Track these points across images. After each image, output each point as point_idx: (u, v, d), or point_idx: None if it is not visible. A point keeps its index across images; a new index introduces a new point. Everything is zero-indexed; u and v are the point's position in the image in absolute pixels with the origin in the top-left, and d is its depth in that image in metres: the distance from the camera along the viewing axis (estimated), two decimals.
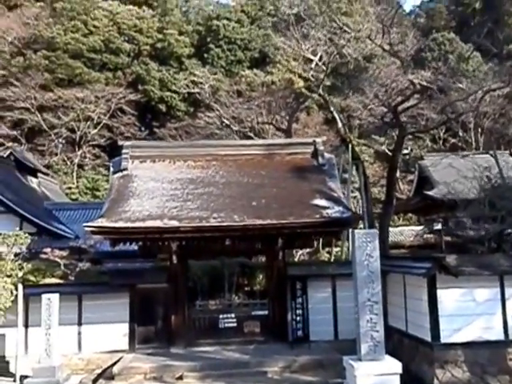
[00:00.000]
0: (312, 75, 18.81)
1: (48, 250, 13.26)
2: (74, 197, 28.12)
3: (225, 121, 26.24)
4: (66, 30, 33.73)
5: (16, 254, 11.14)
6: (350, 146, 16.56)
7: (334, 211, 10.50)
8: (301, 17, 19.81)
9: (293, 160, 12.45)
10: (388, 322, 9.89)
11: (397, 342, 10.00)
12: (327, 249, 19.40)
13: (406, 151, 25.54)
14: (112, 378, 9.34)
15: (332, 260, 17.73)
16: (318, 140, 12.90)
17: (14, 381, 9.81)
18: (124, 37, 35.60)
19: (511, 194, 10.56)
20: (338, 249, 18.75)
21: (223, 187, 11.44)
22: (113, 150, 24.64)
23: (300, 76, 24.88)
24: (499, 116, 21.68)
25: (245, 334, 11.45)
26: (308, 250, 18.40)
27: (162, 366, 9.62)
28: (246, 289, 16.88)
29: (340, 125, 17.31)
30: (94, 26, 34.45)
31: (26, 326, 10.66)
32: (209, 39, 35.61)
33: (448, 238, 14.13)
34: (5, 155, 21.26)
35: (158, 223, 10.11)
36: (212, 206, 10.67)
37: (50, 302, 9.69)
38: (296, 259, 17.98)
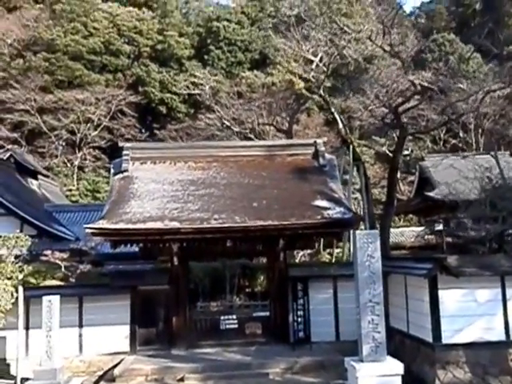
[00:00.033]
0: (313, 76, 18.84)
1: (48, 252, 13.27)
2: (74, 199, 28.11)
3: (225, 122, 26.26)
4: (66, 31, 33.77)
5: (16, 256, 11.14)
6: (350, 146, 16.57)
7: (335, 212, 10.49)
8: (301, 18, 19.84)
9: (294, 161, 12.46)
10: (389, 323, 9.87)
11: (398, 343, 9.98)
12: (328, 250, 19.39)
13: (406, 152, 25.55)
14: (113, 380, 9.33)
15: (333, 261, 17.72)
16: (319, 141, 12.90)
17: (15, 383, 9.78)
18: (124, 38, 35.65)
19: None
20: (338, 250, 18.75)
21: (224, 188, 11.43)
22: (113, 152, 24.67)
23: (300, 77, 24.90)
24: (499, 117, 21.71)
25: (246, 336, 11.44)
26: (309, 251, 18.39)
27: (163, 367, 9.61)
28: (247, 290, 16.87)
29: (341, 125, 17.33)
30: (94, 28, 34.50)
31: (27, 328, 10.65)
32: (209, 41, 35.67)
33: (449, 239, 14.12)
34: (5, 157, 21.26)
35: (158, 225, 10.11)
36: (213, 208, 10.67)
37: (51, 304, 9.66)
38: (297, 260, 17.96)
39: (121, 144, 13.01)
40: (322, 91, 18.29)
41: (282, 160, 12.52)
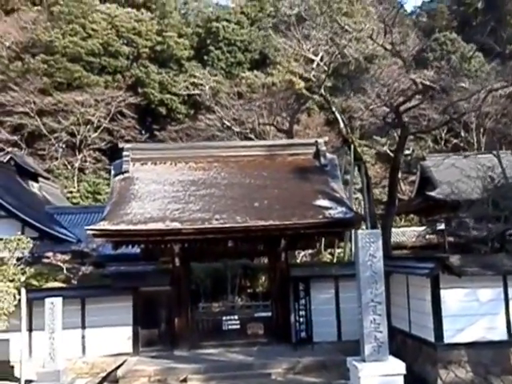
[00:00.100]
0: (313, 75, 18.83)
1: (50, 254, 13.27)
2: (75, 201, 28.12)
3: (226, 122, 26.27)
4: (64, 33, 33.74)
5: (18, 259, 11.15)
6: (351, 146, 16.56)
7: (337, 212, 10.49)
8: (301, 17, 19.84)
9: (295, 161, 12.45)
10: (391, 323, 9.88)
11: (400, 343, 9.98)
12: (329, 250, 19.39)
13: (407, 152, 25.52)
14: (116, 381, 9.34)
15: (334, 261, 17.72)
16: (320, 140, 12.89)
17: None
18: (123, 40, 35.63)
19: None
20: (340, 250, 18.75)
21: (225, 188, 11.44)
22: (113, 154, 24.66)
23: (301, 77, 24.89)
24: (501, 116, 21.67)
25: (248, 336, 11.44)
26: (310, 251, 18.39)
27: (166, 368, 9.62)
28: (249, 291, 16.85)
29: (342, 125, 17.32)
30: (93, 30, 34.48)
31: (30, 330, 10.66)
32: (208, 41, 35.66)
33: (451, 239, 14.12)
34: (5, 160, 21.29)
35: (159, 225, 10.12)
36: (214, 208, 10.67)
37: (54, 305, 9.69)
38: (298, 261, 17.95)
39: (121, 145, 13.01)
40: (322, 90, 18.28)
41: (283, 160, 12.52)
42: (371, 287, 8.23)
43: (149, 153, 12.65)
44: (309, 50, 18.47)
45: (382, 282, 8.31)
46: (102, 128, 31.91)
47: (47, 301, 9.76)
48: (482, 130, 26.63)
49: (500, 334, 8.71)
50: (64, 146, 31.98)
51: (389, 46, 15.76)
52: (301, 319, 11.11)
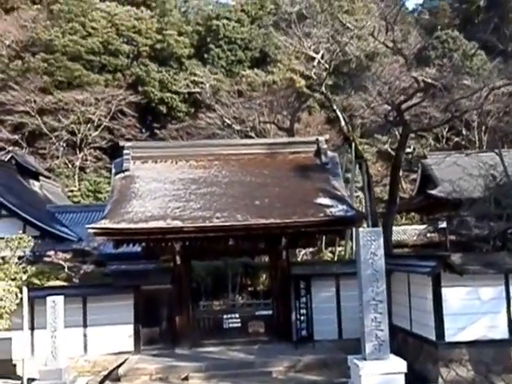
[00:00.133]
0: (314, 73, 18.77)
1: (51, 252, 13.30)
2: (76, 199, 28.14)
3: (226, 120, 26.23)
4: (64, 32, 33.67)
5: (20, 258, 11.19)
6: (353, 144, 16.53)
7: (338, 210, 10.48)
8: (302, 15, 19.77)
9: (296, 159, 12.42)
10: (392, 321, 9.86)
11: (401, 341, 9.98)
12: (330, 248, 19.39)
13: (408, 150, 25.45)
14: (118, 379, 9.35)
15: (335, 259, 17.71)
16: (321, 138, 12.85)
17: (22, 383, 9.82)
18: (123, 38, 35.56)
19: None
20: (341, 248, 18.75)
21: (226, 187, 11.43)
22: (114, 152, 24.68)
23: (302, 75, 24.85)
24: (503, 114, 21.59)
25: (249, 334, 11.45)
26: (311, 249, 18.39)
27: (167, 366, 9.63)
28: (250, 289, 16.89)
29: (343, 123, 17.27)
30: (92, 28, 34.41)
31: (32, 328, 10.67)
32: (209, 39, 35.57)
33: (452, 237, 14.09)
34: (6, 159, 21.31)
35: (160, 224, 10.12)
36: (215, 206, 10.67)
37: (55, 304, 9.70)
38: (299, 259, 17.96)
39: (121, 143, 13.00)
40: (323, 88, 18.23)
41: (284, 158, 12.49)
42: (372, 285, 8.22)
43: (149, 151, 12.64)
44: (310, 48, 18.42)
45: (384, 281, 8.30)
46: (102, 127, 31.89)
47: (49, 299, 9.76)
48: (483, 128, 26.53)
49: (501, 333, 8.70)
50: (65, 144, 31.99)
51: (390, 44, 15.69)
52: (302, 317, 11.12)
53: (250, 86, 28.98)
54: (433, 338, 8.81)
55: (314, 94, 24.11)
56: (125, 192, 11.23)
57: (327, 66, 18.31)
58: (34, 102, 30.24)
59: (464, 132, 28.08)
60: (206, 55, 34.82)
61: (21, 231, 13.82)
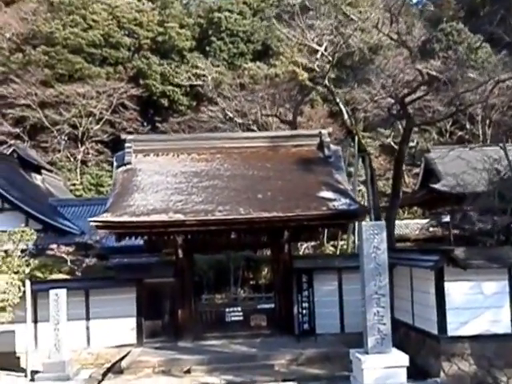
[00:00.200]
0: (317, 66, 18.58)
1: (54, 246, 13.34)
2: (78, 193, 28.17)
3: (228, 114, 26.09)
4: (65, 24, 33.41)
5: (23, 251, 11.20)
6: (355, 138, 16.41)
7: (341, 203, 10.43)
8: (305, 6, 19.53)
9: (298, 152, 12.34)
10: (394, 315, 9.85)
11: (403, 335, 9.98)
12: (332, 242, 19.37)
13: (411, 144, 25.29)
14: (121, 372, 9.41)
15: (337, 253, 17.69)
16: (324, 131, 12.75)
17: (25, 376, 9.91)
18: (124, 31, 35.27)
19: None
20: (343, 242, 18.72)
21: (228, 180, 11.38)
22: (116, 146, 24.61)
23: (304, 68, 24.60)
24: (508, 108, 21.37)
25: (251, 328, 11.48)
26: (313, 243, 18.37)
27: (169, 359, 9.67)
28: (252, 282, 16.93)
29: (346, 116, 17.15)
30: (93, 20, 34.12)
31: (35, 321, 10.74)
32: (210, 32, 35.25)
33: (455, 231, 14.03)
34: (8, 153, 21.30)
35: (162, 217, 10.10)
36: (217, 199, 10.63)
37: (58, 297, 9.74)
38: (301, 253, 17.95)
39: (123, 136, 12.95)
40: (326, 81, 18.06)
41: (287, 151, 12.42)
42: (375, 279, 8.21)
43: (151, 144, 12.58)
44: (313, 40, 18.20)
45: (386, 275, 8.28)
46: (103, 120, 31.78)
47: (52, 292, 9.81)
48: (487, 122, 26.30)
49: (504, 327, 8.68)
50: (66, 138, 31.92)
51: (395, 36, 15.50)
52: (304, 311, 11.14)
53: (252, 78, 28.75)
54: (435, 332, 8.80)
55: (316, 87, 23.87)
56: (127, 185, 11.20)
57: (330, 59, 18.11)
58: (36, 95, 30.11)
59: (468, 126, 27.85)
60: (207, 48, 34.52)
61: (23, 224, 13.81)
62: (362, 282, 8.36)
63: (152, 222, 10.11)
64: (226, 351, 10.21)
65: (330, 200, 10.56)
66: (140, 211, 10.24)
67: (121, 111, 32.22)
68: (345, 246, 18.24)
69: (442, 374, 8.43)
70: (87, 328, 11.02)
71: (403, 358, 8.07)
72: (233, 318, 11.66)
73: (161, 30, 35.39)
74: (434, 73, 15.22)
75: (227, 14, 35.05)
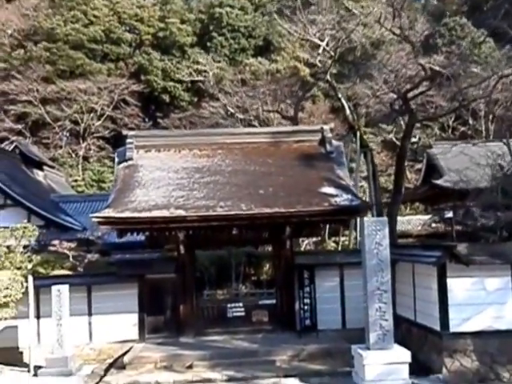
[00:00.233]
0: (319, 61, 18.47)
1: (56, 242, 13.37)
2: (80, 189, 28.20)
3: (230, 109, 25.99)
4: (66, 20, 33.34)
5: (25, 247, 11.23)
6: (357, 133, 16.34)
7: (343, 199, 10.38)
8: (307, 1, 19.36)
9: (300, 148, 12.28)
10: (396, 312, 9.83)
11: (405, 332, 9.97)
12: (334, 238, 19.36)
13: (414, 140, 25.18)
14: (123, 367, 9.43)
15: (339, 249, 17.69)
16: (326, 127, 12.69)
17: (29, 371, 9.95)
18: (125, 26, 35.16)
19: None
20: (344, 238, 18.70)
21: (230, 176, 11.34)
22: (117, 142, 24.56)
23: (306, 63, 24.44)
24: (511, 103, 21.17)
25: (253, 323, 11.50)
26: (314, 239, 18.37)
27: (171, 355, 9.70)
28: (253, 278, 16.95)
29: (348, 111, 17.07)
30: (94, 16, 34.02)
31: (38, 317, 10.77)
32: (211, 27, 35.08)
33: (458, 227, 13.98)
34: (10, 149, 21.32)
35: (164, 213, 10.08)
36: (218, 195, 10.60)
37: (60, 293, 9.76)
38: (302, 249, 17.95)
39: (124, 132, 12.92)
40: (328, 76, 17.95)
41: (288, 147, 12.36)
42: (377, 275, 8.19)
43: (152, 140, 12.55)
44: (314, 35, 18.09)
45: (388, 270, 8.26)
46: (105, 116, 31.77)
47: (54, 288, 9.83)
48: (490, 117, 26.12)
49: (507, 323, 8.64)
50: (68, 134, 31.94)
51: (397, 31, 15.37)
52: (305, 307, 11.13)
53: (254, 74, 28.63)
54: (437, 328, 8.78)
55: (318, 83, 23.76)
56: (128, 181, 11.18)
57: (332, 54, 18.00)
58: (37, 91, 30.09)
59: (470, 121, 27.66)
60: (208, 43, 34.36)
61: (25, 220, 13.86)
62: (364, 278, 8.34)
63: (153, 218, 10.10)
64: (227, 347, 10.23)
65: (332, 196, 10.52)
66: (141, 207, 10.23)
67: (122, 107, 32.18)
68: (346, 242, 18.24)
69: (444, 370, 8.42)
70: (89, 323, 11.05)
71: (405, 354, 8.07)
72: (234, 314, 11.68)
73: (162, 25, 35.25)
74: (437, 68, 15.08)
75: (228, 9, 34.84)
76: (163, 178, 11.28)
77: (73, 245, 13.37)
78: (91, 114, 31.36)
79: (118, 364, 9.83)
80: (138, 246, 12.82)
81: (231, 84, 27.22)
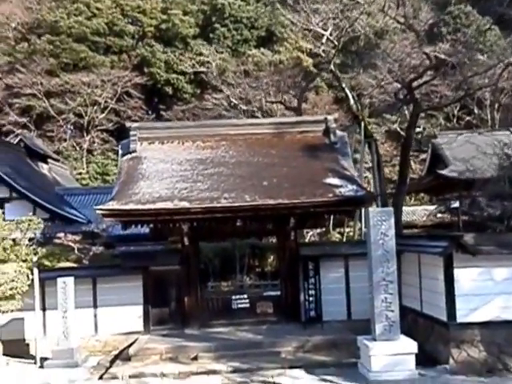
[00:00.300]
0: (323, 51, 18.22)
1: (61, 234, 13.44)
2: (84, 182, 28.30)
3: (233, 101, 25.83)
4: (69, 13, 33.21)
5: (30, 239, 11.27)
6: (362, 123, 16.16)
7: (348, 190, 10.28)
8: None
9: (304, 138, 12.15)
10: (402, 302, 9.77)
11: (411, 322, 9.92)
12: (338, 229, 19.28)
13: (418, 130, 24.88)
14: (129, 359, 9.48)
15: (344, 240, 17.63)
16: (330, 117, 12.53)
17: (35, 363, 10.05)
18: (128, 19, 34.92)
19: None
20: (349, 229, 18.62)
21: (233, 167, 11.27)
22: (120, 134, 24.54)
23: (309, 54, 24.14)
24: None
25: (257, 315, 11.49)
26: (318, 230, 18.30)
27: (177, 346, 9.73)
28: (258, 270, 16.97)
29: (352, 101, 16.86)
30: (97, 9, 33.83)
31: (44, 309, 10.84)
32: (214, 18, 34.72)
33: (463, 217, 13.83)
34: (15, 142, 21.37)
35: (168, 205, 10.05)
36: (222, 187, 10.55)
37: (66, 285, 9.81)
38: (306, 240, 17.91)
39: (128, 124, 12.85)
40: (332, 66, 17.72)
41: (292, 137, 12.23)
42: (383, 266, 8.13)
43: (156, 132, 12.47)
44: (317, 25, 17.81)
45: (394, 261, 8.19)
46: (109, 109, 31.72)
47: (59, 280, 9.88)
48: (496, 106, 25.72)
49: None
50: (72, 127, 31.99)
51: (401, 20, 15.08)
52: (310, 298, 11.10)
53: (257, 65, 28.36)
54: (444, 318, 8.72)
55: (321, 73, 23.47)
56: (132, 173, 11.15)
57: (336, 43, 17.74)
58: (41, 84, 30.10)
59: (476, 111, 27.28)
60: (211, 35, 34.04)
61: (31, 213, 13.87)
62: (370, 269, 8.28)
63: (157, 210, 10.08)
64: (232, 338, 10.25)
65: (336, 186, 10.42)
66: (145, 199, 10.20)
67: (125, 100, 32.11)
68: (351, 233, 18.15)
69: (451, 360, 8.37)
70: (95, 315, 11.11)
71: (412, 345, 8.03)
72: (239, 306, 11.68)
73: (164, 17, 34.95)
74: (442, 56, 14.80)
75: (230, 0, 34.43)
76: (167, 169, 11.23)
77: (78, 237, 13.44)
78: (95, 107, 31.34)
79: (123, 356, 9.89)
80: (142, 238, 12.83)
81: (234, 75, 27.00)
